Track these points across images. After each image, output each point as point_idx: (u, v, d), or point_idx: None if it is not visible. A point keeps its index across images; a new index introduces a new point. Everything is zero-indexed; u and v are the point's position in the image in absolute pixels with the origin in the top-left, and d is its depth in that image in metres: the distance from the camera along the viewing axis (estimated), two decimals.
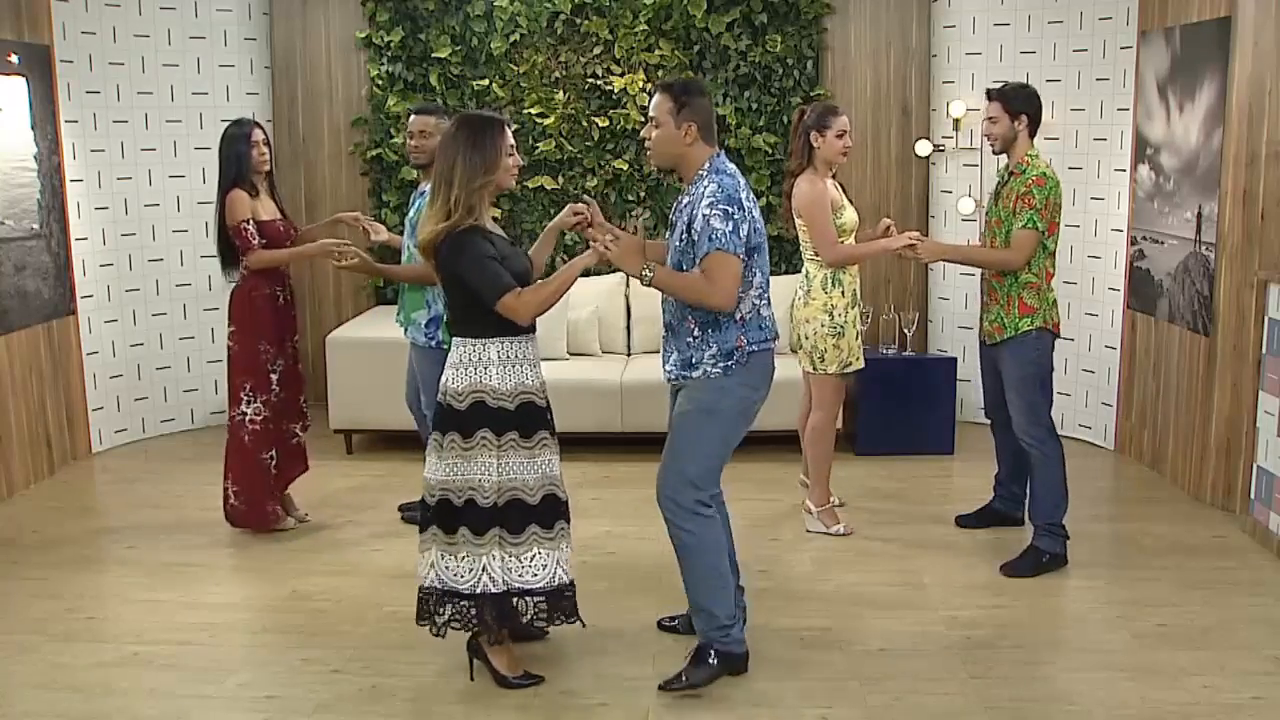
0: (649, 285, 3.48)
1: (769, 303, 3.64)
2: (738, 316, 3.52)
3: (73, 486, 5.77)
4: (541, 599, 3.52)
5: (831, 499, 4.99)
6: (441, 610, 3.53)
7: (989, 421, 4.93)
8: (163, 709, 3.54)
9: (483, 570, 3.47)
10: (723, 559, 3.66)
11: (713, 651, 3.64)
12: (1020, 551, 4.58)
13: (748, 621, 3.83)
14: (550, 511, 3.53)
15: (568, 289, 3.53)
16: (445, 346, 4.49)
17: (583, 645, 3.91)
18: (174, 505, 5.42)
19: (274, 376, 4.87)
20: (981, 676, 3.69)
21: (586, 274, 3.81)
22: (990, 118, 4.55)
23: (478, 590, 3.49)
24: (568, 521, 3.60)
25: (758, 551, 4.72)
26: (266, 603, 4.34)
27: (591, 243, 3.50)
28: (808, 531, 4.95)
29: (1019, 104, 4.50)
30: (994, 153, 4.67)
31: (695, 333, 3.55)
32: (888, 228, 4.87)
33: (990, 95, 4.58)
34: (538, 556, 3.50)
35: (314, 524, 5.12)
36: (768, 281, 3.63)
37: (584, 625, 3.66)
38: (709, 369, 3.54)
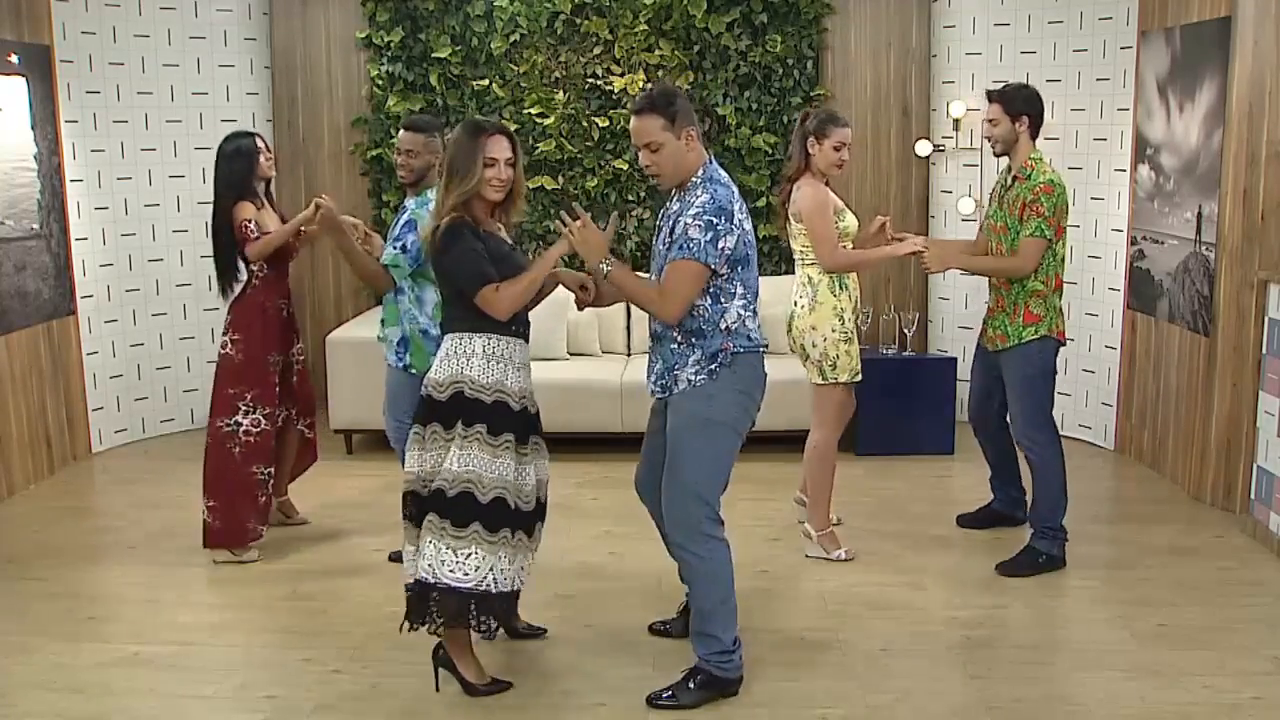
0: (605, 279, 3.47)
1: (755, 314, 3.55)
2: (723, 326, 3.45)
3: (73, 486, 5.77)
4: (475, 600, 3.40)
5: (831, 519, 4.80)
6: (434, 605, 3.43)
7: (971, 424, 4.94)
8: (163, 709, 3.54)
9: (419, 555, 3.43)
10: (731, 588, 3.55)
11: (709, 675, 3.55)
12: (1018, 551, 4.58)
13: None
14: (498, 516, 3.42)
15: (541, 279, 3.50)
16: (413, 371, 4.35)
17: (583, 645, 3.92)
18: (174, 505, 5.41)
19: (279, 390, 4.79)
20: (981, 676, 3.69)
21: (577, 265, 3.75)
22: (991, 119, 4.51)
23: (430, 580, 3.39)
24: (514, 533, 3.46)
25: (758, 551, 4.72)
26: (266, 603, 4.34)
27: (562, 230, 3.48)
28: (807, 557, 4.72)
29: (1019, 105, 4.45)
30: (995, 154, 4.63)
31: (679, 339, 3.48)
32: (883, 225, 4.69)
33: (990, 97, 4.53)
34: (472, 556, 3.39)
35: (314, 524, 5.12)
36: (754, 294, 3.54)
37: (509, 635, 3.65)
38: (693, 377, 3.46)
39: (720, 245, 3.36)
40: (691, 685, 3.54)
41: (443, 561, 3.39)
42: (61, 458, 5.97)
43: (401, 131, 4.46)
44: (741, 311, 3.49)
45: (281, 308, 4.81)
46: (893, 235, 4.68)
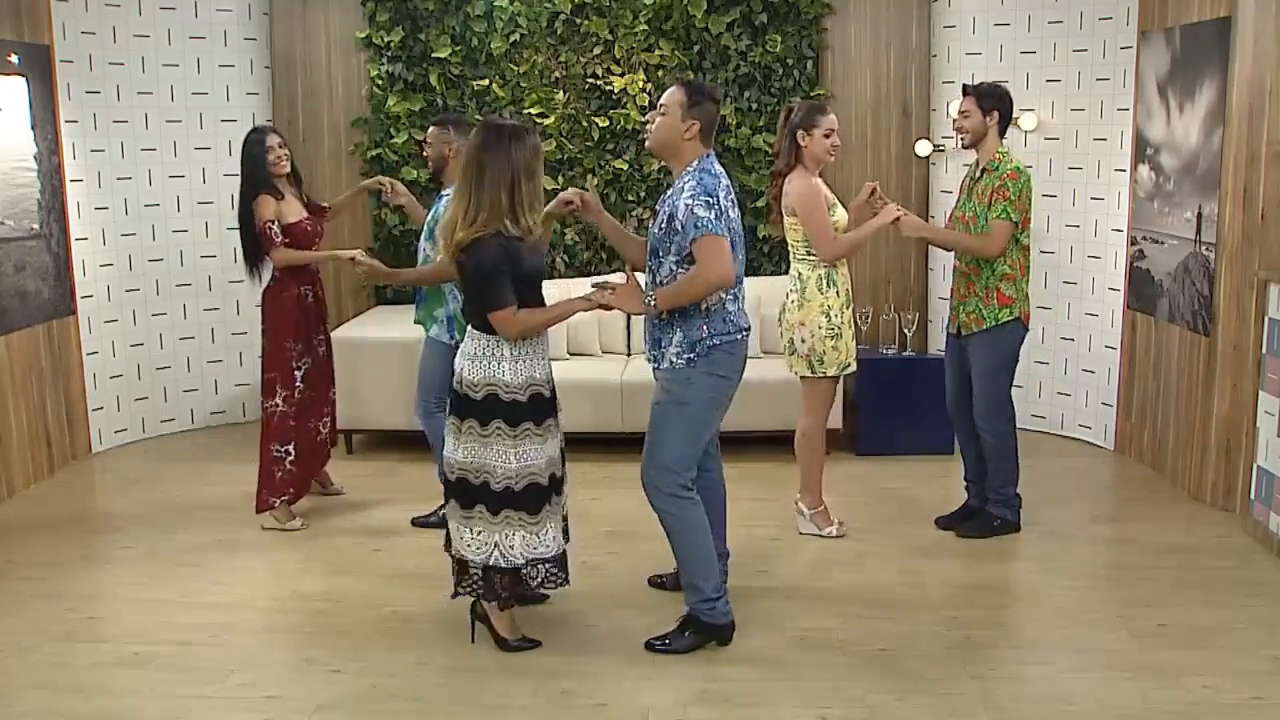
0: (657, 313, 3.72)
1: (736, 298, 3.81)
2: (703, 307, 3.72)
3: (73, 486, 5.77)
4: (552, 564, 3.79)
5: (824, 502, 4.94)
6: (461, 578, 3.82)
7: (950, 416, 5.04)
8: (163, 709, 3.54)
9: (495, 546, 3.70)
10: (706, 538, 3.85)
11: (699, 622, 3.86)
12: (976, 517, 4.93)
13: (728, 582, 4.02)
14: (552, 489, 3.76)
15: (558, 323, 3.77)
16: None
17: (583, 645, 3.92)
18: (174, 506, 5.42)
19: (298, 373, 5.02)
20: (981, 676, 3.69)
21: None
22: (964, 112, 4.75)
23: (489, 563, 3.71)
24: (559, 494, 3.83)
25: (758, 551, 4.72)
26: (266, 603, 4.34)
27: (590, 297, 3.70)
28: (800, 534, 4.92)
29: (991, 101, 4.70)
30: (963, 146, 4.89)
31: (664, 313, 3.74)
32: (873, 190, 4.83)
33: (965, 90, 4.78)
34: (548, 530, 3.75)
35: (314, 524, 5.12)
36: (738, 279, 3.79)
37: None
38: (674, 359, 3.75)
39: (721, 220, 3.63)
40: (685, 633, 3.87)
41: (529, 545, 3.71)
42: (61, 458, 5.97)
43: (431, 128, 4.95)
44: (723, 294, 3.74)
45: (302, 294, 5.04)
46: (880, 199, 4.83)
